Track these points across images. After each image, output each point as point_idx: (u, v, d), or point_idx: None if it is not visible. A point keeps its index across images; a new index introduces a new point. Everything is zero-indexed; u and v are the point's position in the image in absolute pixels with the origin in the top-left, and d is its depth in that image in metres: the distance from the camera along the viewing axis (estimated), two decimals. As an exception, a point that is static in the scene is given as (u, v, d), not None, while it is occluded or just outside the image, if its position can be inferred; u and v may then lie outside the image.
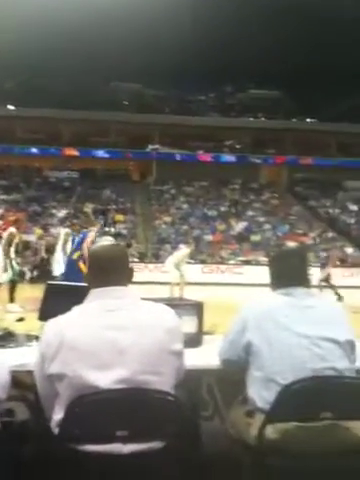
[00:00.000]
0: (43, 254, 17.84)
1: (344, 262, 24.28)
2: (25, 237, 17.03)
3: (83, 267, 8.23)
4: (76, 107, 35.03)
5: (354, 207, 33.03)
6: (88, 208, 10.35)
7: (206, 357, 2.80)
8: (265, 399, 2.31)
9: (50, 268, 12.62)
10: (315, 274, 15.31)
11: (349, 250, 26.45)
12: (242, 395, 2.50)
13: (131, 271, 2.33)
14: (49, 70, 40.43)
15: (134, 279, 2.34)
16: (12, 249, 10.28)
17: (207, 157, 36.26)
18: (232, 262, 23.92)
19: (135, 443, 2.00)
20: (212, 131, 36.35)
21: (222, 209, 31.45)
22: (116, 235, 23.55)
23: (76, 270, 8.22)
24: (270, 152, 37.52)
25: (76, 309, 2.20)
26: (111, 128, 35.91)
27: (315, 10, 38.02)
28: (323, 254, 23.71)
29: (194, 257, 21.17)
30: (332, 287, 16.43)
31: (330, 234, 28.81)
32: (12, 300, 10.18)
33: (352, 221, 31.32)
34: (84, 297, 2.23)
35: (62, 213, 28.42)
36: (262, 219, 30.27)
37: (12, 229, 10.49)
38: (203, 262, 23.34)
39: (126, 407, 2.02)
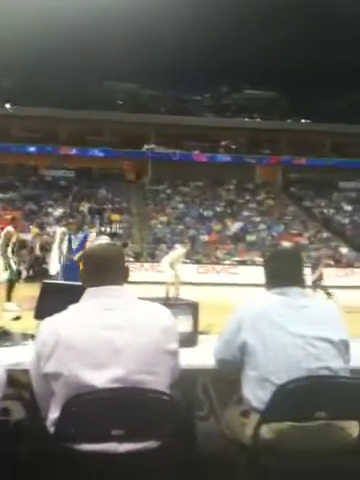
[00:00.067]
0: (38, 252, 17.79)
1: (339, 262, 24.33)
2: (21, 236, 16.98)
3: None
4: (73, 106, 34.98)
5: (348, 207, 33.14)
6: (84, 207, 10.35)
7: (201, 357, 2.81)
8: (260, 399, 2.31)
9: (46, 267, 12.61)
10: (308, 275, 15.29)
11: (344, 250, 26.50)
12: (237, 395, 2.51)
13: (127, 270, 2.33)
14: (46, 69, 40.32)
15: (130, 279, 2.34)
16: (9, 248, 10.24)
17: (202, 157, 36.25)
18: (227, 262, 23.91)
19: (131, 442, 2.01)
20: (207, 131, 36.34)
21: (218, 209, 31.47)
22: (112, 235, 23.52)
23: (78, 271, 8.19)
24: (265, 152, 37.57)
25: (72, 308, 2.20)
26: (107, 128, 35.88)
27: (315, 8, 38.02)
28: (315, 254, 23.72)
29: (190, 257, 21.15)
30: (322, 287, 16.44)
31: (325, 234, 28.87)
32: (9, 299, 10.15)
33: (347, 221, 31.42)
34: (80, 296, 2.23)
35: (58, 212, 28.36)
36: (257, 219, 30.30)
37: (10, 228, 10.43)
38: (198, 262, 23.32)
39: (122, 406, 2.02)
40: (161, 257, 17.92)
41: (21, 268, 17.63)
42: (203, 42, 39.39)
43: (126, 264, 2.36)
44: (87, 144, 35.41)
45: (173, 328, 2.24)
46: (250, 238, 27.48)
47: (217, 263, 23.75)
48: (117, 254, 2.35)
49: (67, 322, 2.13)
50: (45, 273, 12.92)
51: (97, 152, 35.49)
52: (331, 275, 17.93)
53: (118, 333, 2.09)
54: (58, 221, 23.48)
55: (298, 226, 29.78)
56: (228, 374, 2.60)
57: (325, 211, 32.69)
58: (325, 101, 40.57)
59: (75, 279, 2.90)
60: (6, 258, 10.16)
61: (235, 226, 28.86)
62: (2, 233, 10.37)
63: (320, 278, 16.72)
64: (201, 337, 3.18)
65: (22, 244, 15.78)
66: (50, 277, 10.82)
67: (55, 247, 11.94)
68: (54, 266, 11.58)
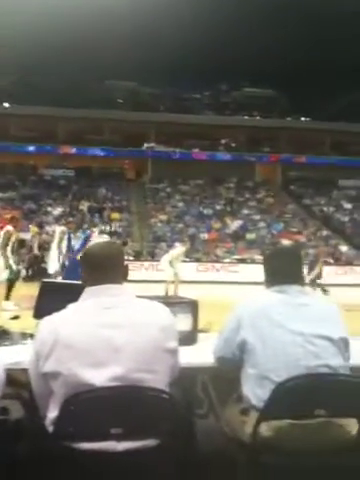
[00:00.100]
0: (36, 251, 17.76)
1: (338, 260, 24.33)
2: (21, 235, 16.95)
3: None
4: (73, 105, 34.95)
5: (348, 205, 33.14)
6: (84, 206, 10.37)
7: (201, 355, 2.80)
8: (259, 397, 2.31)
9: (45, 266, 12.60)
10: (306, 273, 15.26)
11: (343, 248, 26.51)
12: (237, 393, 2.50)
13: (126, 269, 2.33)
14: (45, 68, 40.36)
15: (129, 277, 2.34)
16: (9, 248, 10.22)
17: (202, 155, 36.23)
18: (227, 260, 23.92)
19: (129, 441, 2.00)
20: (207, 129, 36.33)
21: (217, 207, 31.45)
22: (112, 233, 23.53)
23: (79, 270, 8.18)
24: (265, 150, 37.54)
25: (71, 307, 2.19)
26: (106, 126, 35.85)
27: (314, 6, 38.00)
28: (313, 251, 23.69)
29: (189, 255, 21.15)
30: (319, 285, 16.43)
31: (325, 232, 28.88)
32: (8, 298, 10.15)
33: (346, 219, 31.42)
34: (79, 295, 2.23)
35: (57, 211, 28.34)
36: (257, 217, 30.29)
37: (9, 227, 10.42)
38: (198, 260, 23.32)
39: (121, 405, 2.02)
40: (161, 256, 17.93)
41: (20, 267, 17.63)
42: (203, 40, 39.41)
43: (125, 263, 2.36)
44: (87, 143, 35.37)
45: (172, 326, 2.24)
46: (250, 236, 27.49)
47: (217, 261, 23.75)
48: (116, 253, 2.34)
49: (66, 321, 2.13)
50: (44, 272, 12.90)
51: (97, 151, 35.46)
52: (331, 273, 17.92)
53: (117, 332, 2.09)
54: (57, 220, 23.48)
55: (298, 224, 29.79)
56: (227, 372, 2.60)
57: (325, 209, 32.70)
58: (325, 99, 40.61)
59: (76, 278, 2.89)
60: (6, 257, 10.15)
61: (235, 224, 28.86)
62: (1, 232, 10.35)
63: (319, 276, 16.70)
64: (200, 335, 3.18)
65: (21, 243, 15.75)
66: (49, 276, 10.81)
67: (54, 246, 11.94)
68: (53, 265, 11.58)
